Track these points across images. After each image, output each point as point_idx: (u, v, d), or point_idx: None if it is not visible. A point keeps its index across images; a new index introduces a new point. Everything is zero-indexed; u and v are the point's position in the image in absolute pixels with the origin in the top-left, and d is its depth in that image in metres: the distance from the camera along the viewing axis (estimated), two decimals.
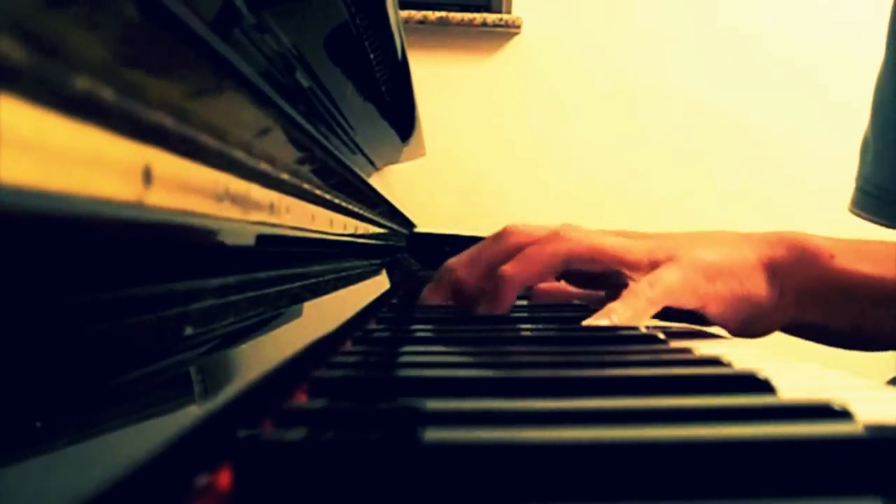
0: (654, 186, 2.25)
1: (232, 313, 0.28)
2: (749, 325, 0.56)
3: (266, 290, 0.34)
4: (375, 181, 0.73)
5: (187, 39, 0.22)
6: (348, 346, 0.38)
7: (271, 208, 0.32)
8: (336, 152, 0.49)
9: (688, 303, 0.53)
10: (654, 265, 0.54)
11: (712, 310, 0.54)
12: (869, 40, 2.24)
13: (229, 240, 0.28)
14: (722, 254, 0.55)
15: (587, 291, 0.64)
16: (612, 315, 0.50)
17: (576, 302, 0.66)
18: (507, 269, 0.53)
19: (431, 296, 0.59)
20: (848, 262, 0.56)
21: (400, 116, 0.84)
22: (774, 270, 0.55)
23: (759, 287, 0.55)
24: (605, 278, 0.56)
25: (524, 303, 0.66)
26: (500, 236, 0.57)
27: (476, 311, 0.55)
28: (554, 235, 0.54)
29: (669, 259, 0.54)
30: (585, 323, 0.50)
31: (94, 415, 0.17)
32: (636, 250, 0.54)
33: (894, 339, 0.60)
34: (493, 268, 0.54)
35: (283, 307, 0.36)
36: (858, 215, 0.84)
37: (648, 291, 0.52)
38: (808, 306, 0.56)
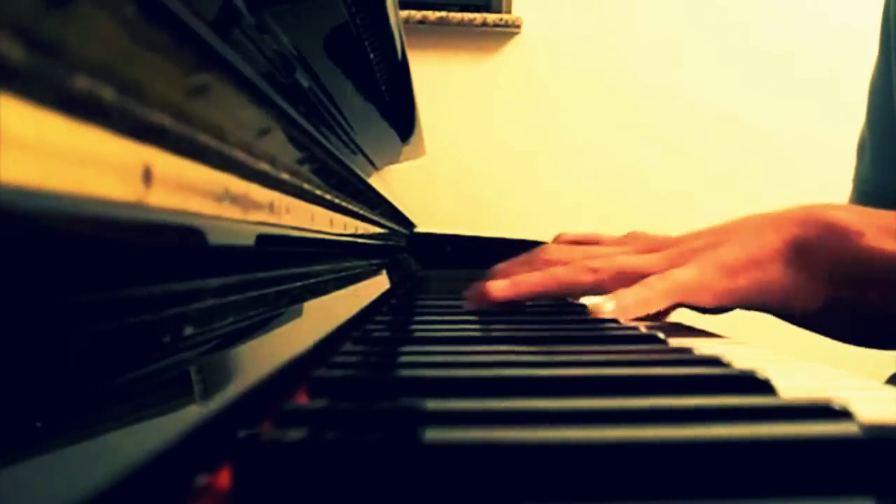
0: (655, 186, 2.25)
1: (232, 313, 0.28)
2: (783, 309, 0.56)
3: (266, 290, 0.34)
4: (375, 181, 0.73)
5: (187, 39, 0.22)
6: (348, 346, 0.38)
7: (271, 208, 0.32)
8: (336, 152, 0.49)
9: (705, 301, 0.54)
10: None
11: (737, 302, 0.55)
12: (868, 40, 2.25)
13: (229, 240, 0.28)
14: (743, 247, 0.55)
15: None
16: (618, 299, 0.52)
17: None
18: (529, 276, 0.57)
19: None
20: (876, 241, 0.55)
21: (400, 116, 0.84)
22: (800, 253, 0.55)
23: (783, 273, 0.55)
24: None
25: (525, 303, 0.66)
26: (534, 254, 0.61)
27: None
28: (582, 265, 0.57)
29: (688, 262, 0.55)
30: (590, 306, 0.51)
31: (94, 415, 0.17)
32: (658, 264, 0.56)
33: None
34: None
35: (282, 307, 0.36)
36: None
37: (658, 284, 0.53)
38: (841, 287, 0.56)
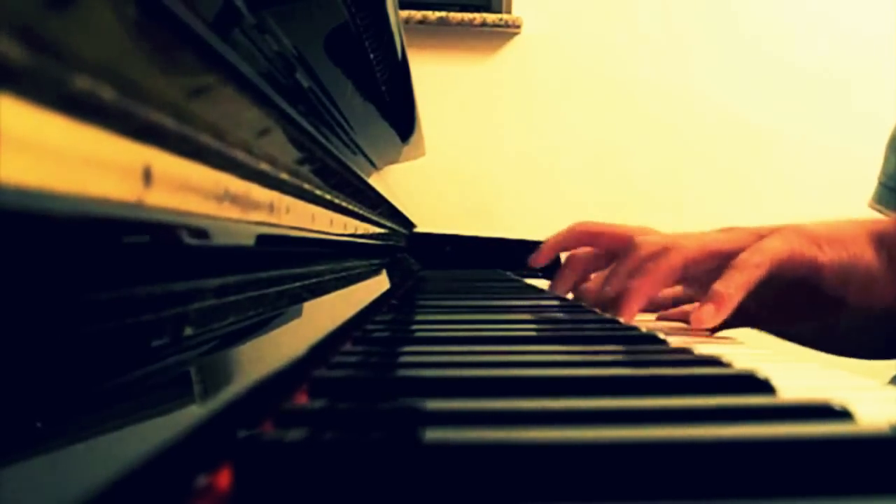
0: (655, 186, 2.25)
1: (232, 313, 0.28)
2: (862, 293, 0.56)
3: (266, 291, 0.34)
4: (375, 181, 0.73)
5: (187, 39, 0.22)
6: (348, 346, 0.38)
7: (271, 208, 0.32)
8: (336, 152, 0.49)
9: (798, 268, 0.54)
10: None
11: (825, 274, 0.54)
12: (870, 41, 2.25)
13: (229, 240, 0.28)
14: (828, 225, 0.56)
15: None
16: (714, 298, 0.51)
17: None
18: (635, 283, 0.56)
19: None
20: None
21: (400, 116, 0.84)
22: (882, 240, 0.56)
23: (866, 252, 0.55)
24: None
25: (525, 302, 0.66)
26: (626, 252, 0.60)
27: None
28: (670, 246, 0.57)
29: (773, 233, 0.55)
30: (693, 315, 0.51)
31: (94, 415, 0.17)
32: (743, 238, 0.56)
33: None
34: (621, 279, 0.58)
35: (282, 307, 0.36)
36: (879, 210, 0.86)
37: (752, 258, 0.53)
38: None
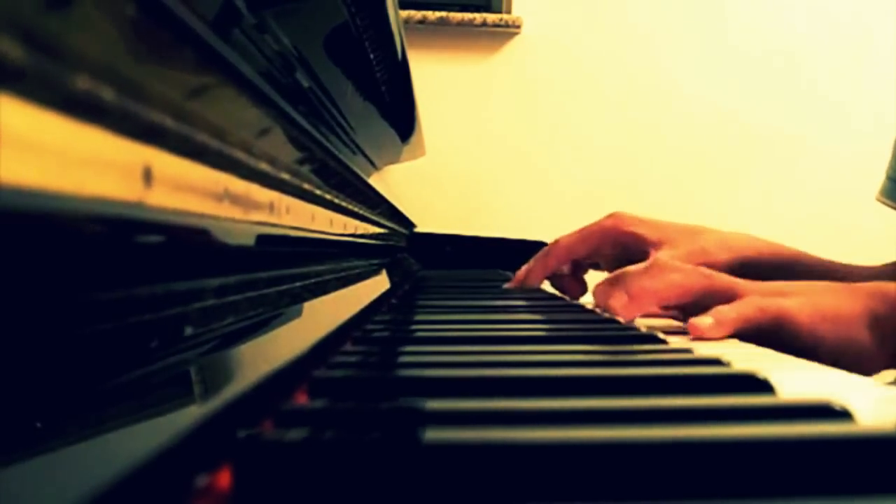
0: (655, 186, 2.25)
1: (232, 313, 0.28)
2: (851, 366, 0.58)
3: (266, 290, 0.34)
4: (375, 181, 0.73)
5: (187, 39, 0.22)
6: (348, 346, 0.38)
7: (271, 208, 0.32)
8: (336, 152, 0.49)
9: (797, 333, 0.55)
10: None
11: (821, 349, 0.56)
12: (867, 37, 2.25)
13: (229, 240, 0.28)
14: (835, 294, 0.59)
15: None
16: (715, 316, 0.53)
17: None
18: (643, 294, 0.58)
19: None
20: None
21: (400, 116, 0.84)
22: (876, 324, 0.58)
23: (861, 333, 0.58)
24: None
25: (525, 302, 0.66)
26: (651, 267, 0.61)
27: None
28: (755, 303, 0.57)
29: (793, 294, 0.58)
30: (690, 323, 0.53)
31: (94, 415, 0.17)
32: (766, 289, 0.58)
33: None
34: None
35: (283, 307, 0.36)
36: (886, 204, 0.88)
37: (762, 303, 0.55)
38: None
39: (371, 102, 0.63)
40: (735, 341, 0.52)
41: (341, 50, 0.47)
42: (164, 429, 0.18)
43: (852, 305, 0.58)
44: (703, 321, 0.53)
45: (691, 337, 0.52)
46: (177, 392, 0.21)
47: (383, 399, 0.28)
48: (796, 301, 0.57)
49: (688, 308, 0.58)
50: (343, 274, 0.55)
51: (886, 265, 0.79)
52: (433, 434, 0.20)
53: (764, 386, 0.28)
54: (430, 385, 0.29)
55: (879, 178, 0.89)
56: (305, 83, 0.40)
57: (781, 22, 2.27)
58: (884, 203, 0.88)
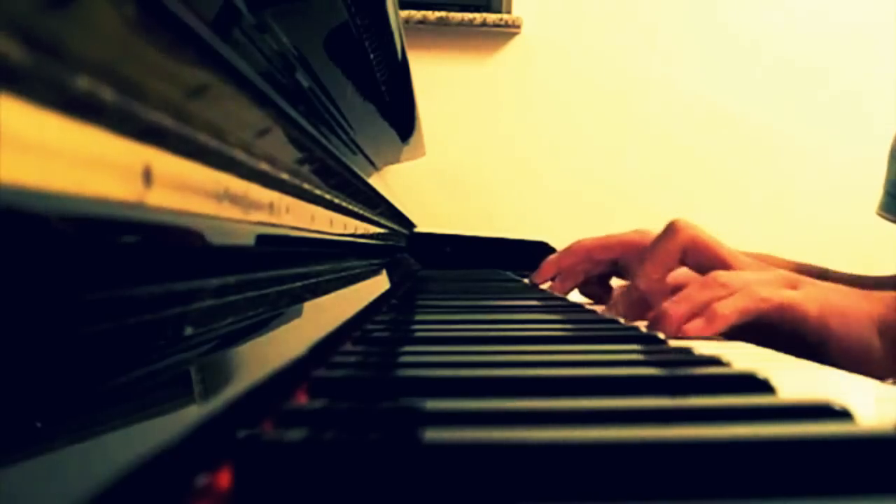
0: (655, 187, 2.25)
1: (232, 313, 0.28)
2: (857, 367, 0.58)
3: (266, 290, 0.34)
4: (375, 181, 0.73)
5: (187, 39, 0.22)
6: (348, 346, 0.38)
7: (271, 208, 0.32)
8: (336, 152, 0.49)
9: (804, 326, 0.55)
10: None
11: (829, 346, 0.56)
12: (863, 38, 2.25)
13: (229, 240, 0.28)
14: (845, 295, 0.59)
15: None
16: (707, 314, 0.52)
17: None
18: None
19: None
20: None
21: (400, 116, 0.84)
22: (885, 331, 0.59)
23: (871, 337, 0.58)
24: None
25: (525, 302, 0.66)
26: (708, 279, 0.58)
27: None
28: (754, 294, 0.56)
29: (803, 285, 0.57)
30: (685, 325, 0.52)
31: (94, 415, 0.17)
32: (772, 279, 0.57)
33: None
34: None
35: (283, 307, 0.36)
36: (886, 218, 0.88)
37: (765, 292, 0.54)
38: None
39: (371, 102, 0.63)
40: (736, 343, 0.52)
41: (341, 50, 0.47)
42: (164, 429, 0.18)
43: (863, 307, 0.58)
44: (693, 324, 0.52)
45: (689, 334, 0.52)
46: (177, 392, 0.21)
47: (383, 399, 0.28)
48: (803, 293, 0.56)
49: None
50: (343, 274, 0.55)
51: None
52: (433, 434, 0.20)
53: (764, 386, 0.28)
54: (430, 385, 0.29)
55: (878, 190, 0.89)
56: (305, 83, 0.40)
57: (782, 25, 2.27)
58: (883, 217, 0.88)
